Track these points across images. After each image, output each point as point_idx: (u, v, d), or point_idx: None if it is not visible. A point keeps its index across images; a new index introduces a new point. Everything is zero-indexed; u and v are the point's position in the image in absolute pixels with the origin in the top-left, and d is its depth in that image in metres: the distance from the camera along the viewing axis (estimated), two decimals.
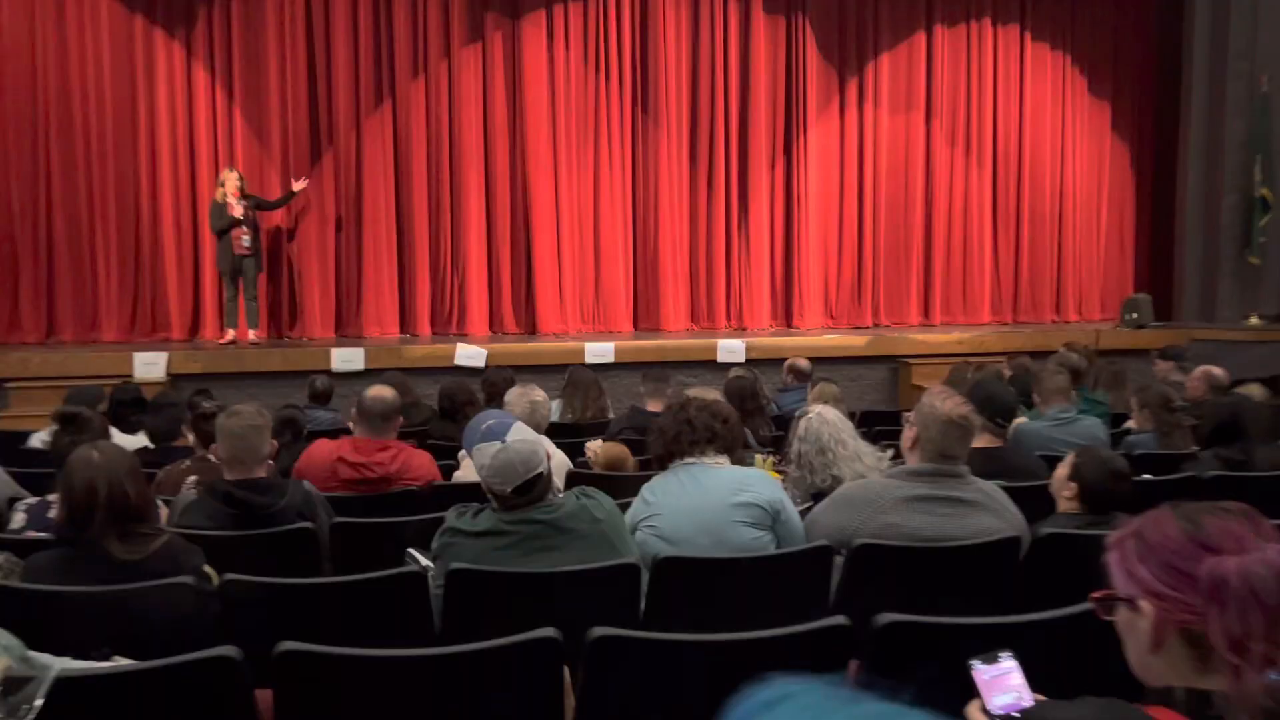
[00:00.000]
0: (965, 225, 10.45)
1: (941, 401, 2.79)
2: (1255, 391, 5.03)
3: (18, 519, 3.26)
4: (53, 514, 3.25)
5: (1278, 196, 9.79)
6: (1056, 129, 10.63)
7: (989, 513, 2.86)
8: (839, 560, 2.85)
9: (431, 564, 2.82)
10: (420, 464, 4.10)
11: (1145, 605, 1.28)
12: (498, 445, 2.57)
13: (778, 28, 10.00)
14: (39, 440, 5.32)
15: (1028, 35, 10.50)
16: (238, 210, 8.47)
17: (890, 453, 3.41)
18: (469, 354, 8.48)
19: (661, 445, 3.04)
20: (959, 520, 2.80)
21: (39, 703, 1.55)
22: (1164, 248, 10.69)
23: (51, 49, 8.82)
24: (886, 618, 2.01)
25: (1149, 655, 1.29)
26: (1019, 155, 10.57)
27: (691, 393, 3.56)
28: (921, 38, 10.28)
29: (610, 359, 8.66)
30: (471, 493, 3.28)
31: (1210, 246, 10.17)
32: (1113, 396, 5.72)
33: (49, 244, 8.94)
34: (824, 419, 3.34)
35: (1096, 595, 1.34)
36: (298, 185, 8.93)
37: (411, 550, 3.14)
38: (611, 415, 6.31)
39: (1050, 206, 10.65)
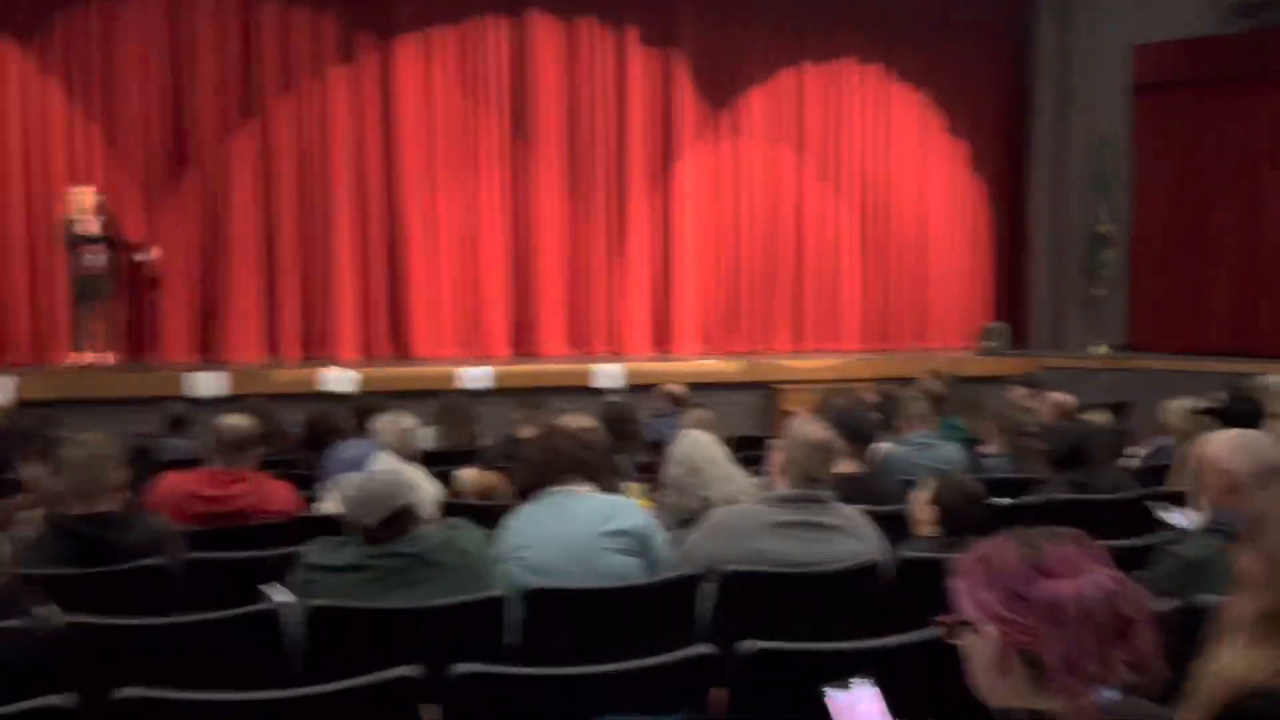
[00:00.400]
0: (834, 255, 10.79)
1: (806, 426, 2.87)
2: (1099, 417, 5.33)
3: None
4: None
5: (1118, 233, 10.47)
6: (918, 164, 11.10)
7: (852, 537, 2.95)
8: (709, 587, 2.89)
9: (289, 599, 2.72)
10: (280, 496, 3.96)
11: (988, 628, 1.33)
12: (360, 476, 2.50)
13: (652, 58, 10.15)
14: None
15: (891, 75, 10.94)
16: (92, 227, 8.07)
17: (763, 478, 3.48)
18: (338, 379, 8.27)
19: (528, 474, 3.02)
20: (824, 545, 2.87)
21: None
22: (1017, 279, 11.27)
23: None
24: (751, 645, 2.03)
25: (992, 677, 1.34)
26: (883, 189, 10.98)
27: (563, 420, 3.55)
28: (791, 73, 10.60)
29: (488, 384, 8.57)
30: (336, 525, 3.19)
31: (1059, 279, 10.78)
32: (970, 422, 5.95)
33: None
34: (695, 440, 3.38)
35: (943, 620, 1.39)
36: (151, 254, 8.50)
37: (264, 587, 3.02)
38: (486, 443, 6.23)
39: (913, 238, 11.10)
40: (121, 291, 8.58)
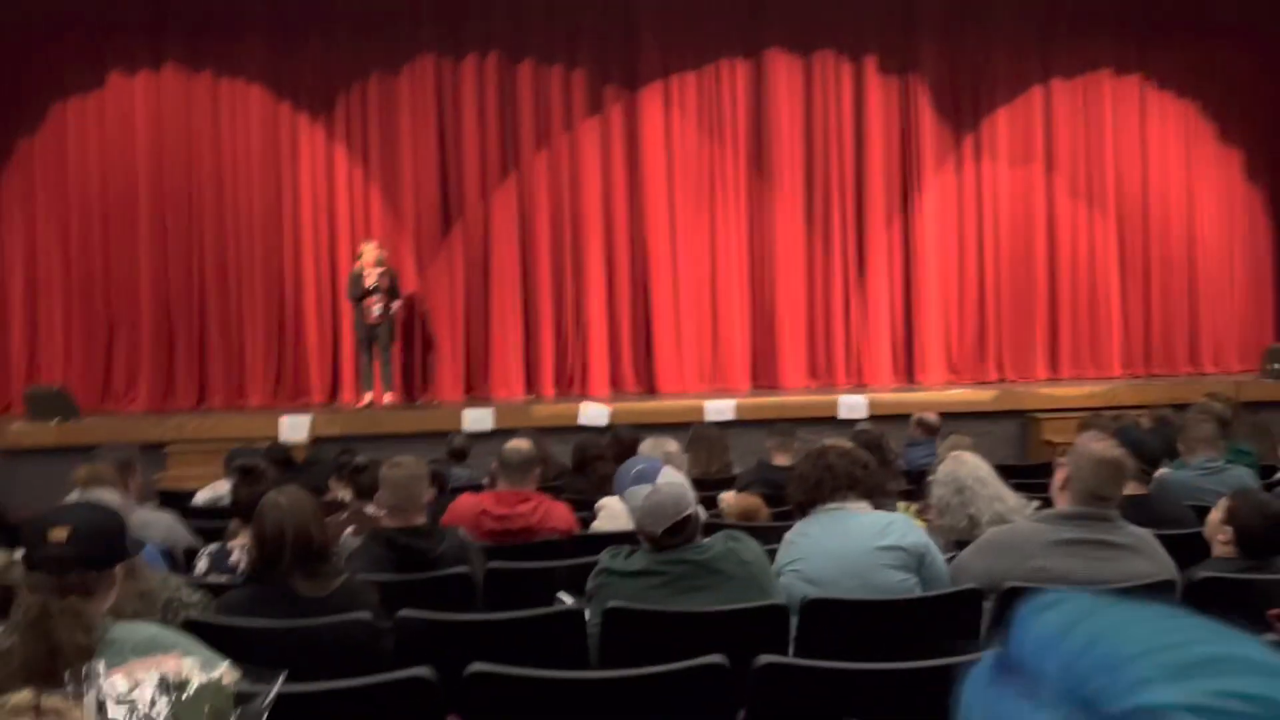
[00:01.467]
0: (1091, 277, 10.24)
1: (1094, 443, 2.80)
2: None
3: (201, 564, 3.52)
4: (232, 559, 3.51)
5: None
6: (1183, 177, 10.38)
7: (1142, 557, 2.83)
8: (985, 605, 2.86)
9: (576, 605, 2.94)
10: (560, 514, 4.26)
11: None
12: (649, 488, 2.68)
13: (891, 86, 10.10)
14: (202, 497, 5.70)
15: (1149, 85, 10.34)
16: (371, 280, 8.91)
17: (1035, 504, 3.40)
18: (592, 413, 8.67)
19: (802, 492, 3.09)
20: (1112, 564, 2.77)
21: (265, 715, 1.71)
22: None
23: (206, 135, 9.54)
24: None
25: None
26: (1145, 205, 10.35)
27: (828, 441, 3.60)
28: (1038, 91, 10.23)
29: (730, 416, 8.71)
30: (610, 542, 3.40)
31: None
32: (1260, 448, 5.51)
33: (201, 317, 9.57)
34: (961, 459, 3.36)
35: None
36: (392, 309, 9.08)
37: (560, 593, 3.27)
38: (735, 471, 6.38)
39: (1180, 256, 10.37)
40: (399, 336, 9.40)
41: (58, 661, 1.77)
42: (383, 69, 9.66)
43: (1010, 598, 2.73)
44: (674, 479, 2.74)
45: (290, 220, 9.62)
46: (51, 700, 1.49)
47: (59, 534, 1.97)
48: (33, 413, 8.45)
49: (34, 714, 1.44)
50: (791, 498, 3.12)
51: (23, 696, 1.47)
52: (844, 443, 3.35)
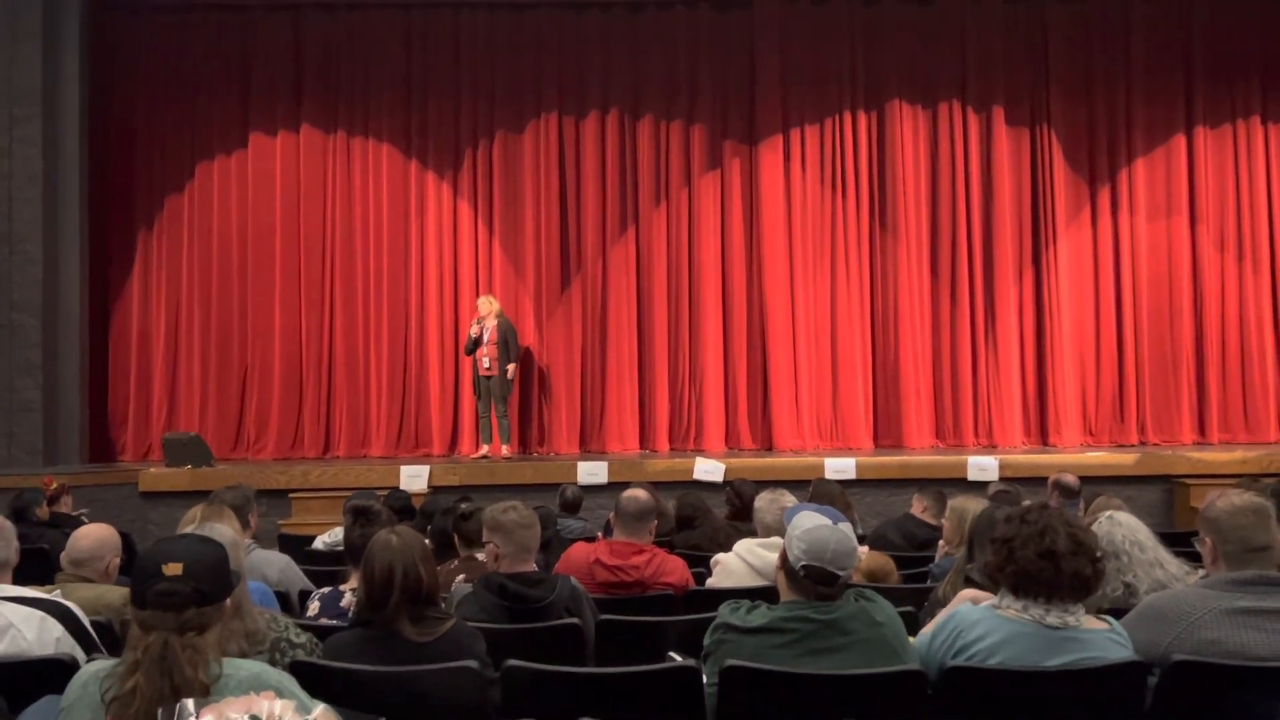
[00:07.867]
0: (1243, 335, 9.60)
1: (1233, 496, 2.53)
2: None
3: (313, 607, 3.49)
4: (344, 602, 3.46)
5: None
6: None
7: None
8: (1150, 681, 2.56)
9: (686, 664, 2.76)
10: (674, 569, 4.09)
11: None
12: (824, 521, 2.52)
13: (1021, 138, 9.79)
14: (320, 543, 5.74)
15: None
16: (492, 333, 8.99)
17: (1201, 573, 3.08)
18: (708, 468, 8.50)
19: (1006, 572, 2.43)
20: None
21: None
22: None
23: (340, 191, 9.90)
24: None
25: None
26: None
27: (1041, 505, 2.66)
28: (1181, 141, 9.75)
29: (851, 475, 8.42)
30: (726, 599, 3.22)
31: None
32: None
33: (329, 368, 9.84)
34: (1116, 521, 3.07)
35: None
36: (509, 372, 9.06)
37: (671, 654, 3.10)
38: (859, 531, 6.10)
39: None
40: (518, 389, 9.44)
41: (181, 700, 1.72)
42: (507, 129, 9.88)
43: (1180, 673, 2.44)
44: (852, 537, 2.57)
45: (416, 275, 9.85)
46: None
47: (173, 569, 1.93)
48: (169, 458, 8.76)
49: None
50: (984, 570, 2.61)
51: None
52: (1066, 515, 2.57)
